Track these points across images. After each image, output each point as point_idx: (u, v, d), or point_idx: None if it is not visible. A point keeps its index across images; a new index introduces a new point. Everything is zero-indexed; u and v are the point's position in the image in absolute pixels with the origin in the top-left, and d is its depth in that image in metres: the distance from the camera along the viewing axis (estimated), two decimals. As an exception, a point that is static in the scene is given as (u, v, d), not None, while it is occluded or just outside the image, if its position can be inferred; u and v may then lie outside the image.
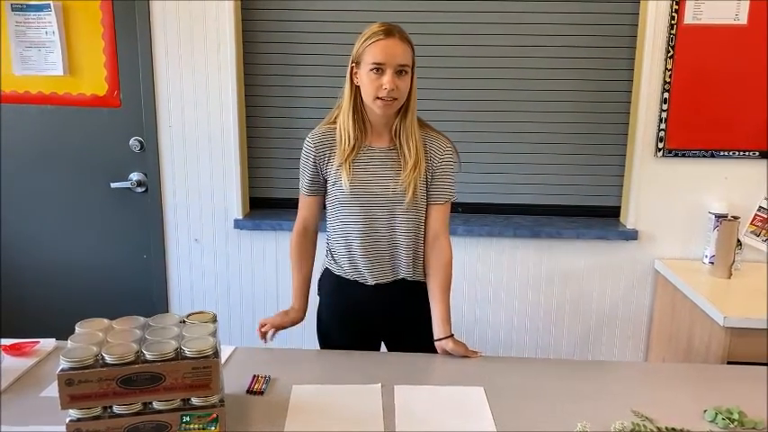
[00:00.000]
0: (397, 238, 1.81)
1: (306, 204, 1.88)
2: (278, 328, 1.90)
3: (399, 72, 1.67)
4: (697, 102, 2.54)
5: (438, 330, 1.82)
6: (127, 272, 2.84)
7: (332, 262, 1.89)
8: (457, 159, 1.85)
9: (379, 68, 1.66)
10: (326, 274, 1.92)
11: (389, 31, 1.68)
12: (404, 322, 1.90)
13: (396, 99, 1.69)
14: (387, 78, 1.65)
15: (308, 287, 1.93)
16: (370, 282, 1.84)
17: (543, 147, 2.72)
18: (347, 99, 1.75)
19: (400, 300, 1.88)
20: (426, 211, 1.83)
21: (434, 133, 1.84)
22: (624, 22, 2.60)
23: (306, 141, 1.82)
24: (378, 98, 1.68)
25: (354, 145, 1.75)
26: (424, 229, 1.84)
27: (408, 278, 1.86)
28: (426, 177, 1.80)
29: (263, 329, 1.90)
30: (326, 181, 1.82)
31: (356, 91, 1.74)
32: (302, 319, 1.92)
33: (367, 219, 1.78)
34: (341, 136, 1.76)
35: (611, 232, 2.66)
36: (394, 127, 1.78)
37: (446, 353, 1.81)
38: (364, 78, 1.69)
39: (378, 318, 1.89)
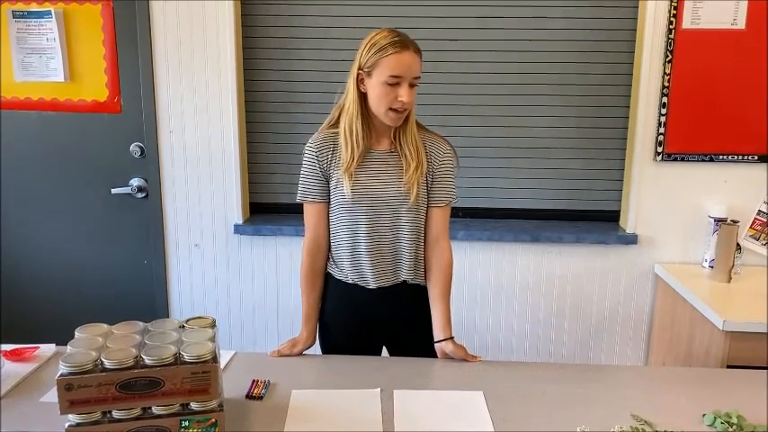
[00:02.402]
0: (400, 241, 1.83)
1: (315, 213, 1.85)
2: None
3: (412, 84, 1.70)
4: (696, 106, 2.55)
5: (438, 332, 1.83)
6: (127, 277, 2.84)
7: (333, 266, 1.89)
8: (457, 163, 1.87)
9: (396, 81, 1.67)
10: (328, 278, 1.92)
11: (405, 43, 1.68)
12: (405, 325, 1.91)
13: (407, 110, 1.72)
14: (404, 91, 1.68)
15: (318, 310, 1.91)
16: (372, 285, 1.84)
17: (543, 151, 2.73)
18: (355, 106, 1.75)
19: (401, 303, 1.88)
20: (427, 214, 1.85)
21: (434, 136, 1.85)
22: (623, 26, 2.61)
23: (307, 147, 1.82)
24: (391, 109, 1.70)
25: (362, 150, 1.76)
26: (425, 231, 1.86)
27: (409, 281, 1.87)
28: (427, 180, 1.82)
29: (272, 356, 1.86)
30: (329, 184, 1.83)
31: (362, 97, 1.75)
32: (312, 345, 1.90)
33: (371, 221, 1.79)
34: (348, 142, 1.76)
35: (611, 237, 2.67)
36: (394, 131, 1.80)
37: (446, 355, 1.82)
38: (377, 89, 1.70)
39: (379, 321, 1.89)
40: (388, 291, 1.86)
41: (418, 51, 1.71)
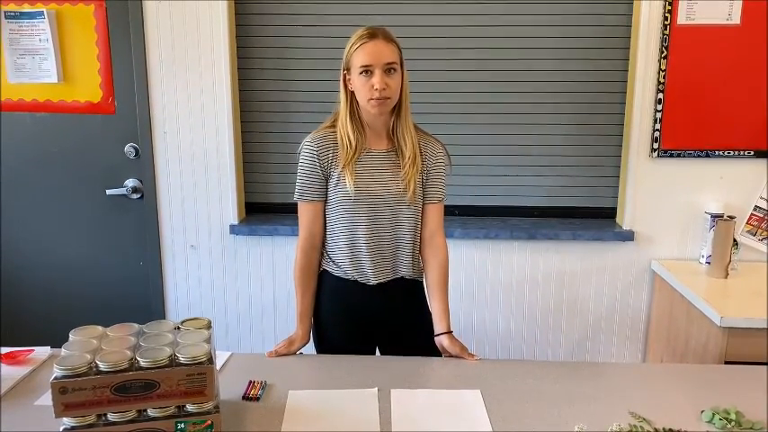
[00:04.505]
0: (399, 237, 1.86)
1: (311, 212, 1.86)
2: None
3: (388, 71, 1.72)
4: (691, 102, 2.55)
5: (437, 326, 1.87)
6: (123, 278, 2.83)
7: (330, 263, 1.89)
8: (449, 161, 1.92)
9: (367, 70, 1.71)
10: (324, 276, 1.92)
11: (373, 33, 1.73)
12: (403, 320, 1.92)
13: (389, 98, 1.74)
14: (376, 78, 1.70)
15: (313, 308, 1.92)
16: (372, 281, 1.86)
17: (539, 149, 2.73)
18: (344, 106, 1.80)
19: (399, 298, 1.91)
20: (422, 212, 1.89)
21: (428, 137, 1.90)
22: (618, 23, 2.61)
23: (306, 146, 1.83)
24: (371, 99, 1.72)
25: (356, 148, 1.79)
26: (421, 228, 1.89)
27: (407, 276, 1.90)
28: (422, 178, 1.86)
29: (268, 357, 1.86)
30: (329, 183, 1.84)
31: (351, 97, 1.79)
32: (307, 342, 1.91)
33: (372, 219, 1.82)
34: (342, 141, 1.80)
35: (608, 233, 2.66)
36: (391, 126, 1.83)
37: (444, 349, 1.84)
38: (356, 83, 1.74)
39: (377, 316, 1.90)
40: (387, 286, 1.88)
41: (389, 39, 1.74)
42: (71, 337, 1.38)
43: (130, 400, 1.27)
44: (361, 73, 1.71)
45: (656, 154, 2.59)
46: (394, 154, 1.83)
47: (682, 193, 2.63)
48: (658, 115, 2.56)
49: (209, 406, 1.32)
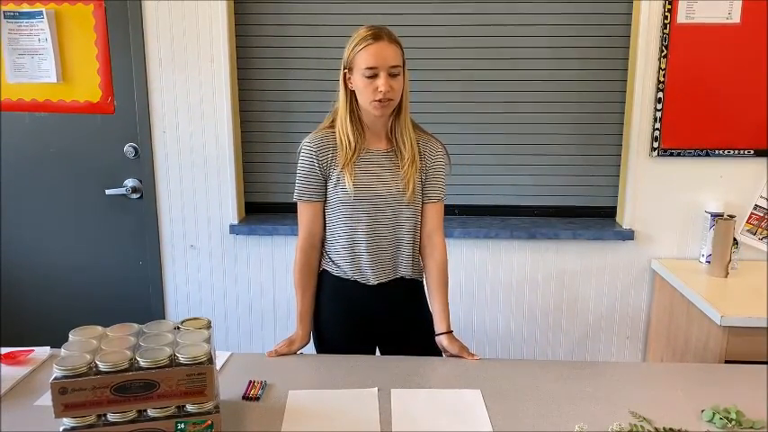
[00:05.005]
0: (399, 237, 1.86)
1: (311, 212, 1.85)
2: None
3: (392, 73, 1.71)
4: (691, 101, 2.54)
5: (437, 326, 1.88)
6: (123, 278, 2.83)
7: (330, 263, 1.89)
8: (448, 161, 1.91)
9: (372, 72, 1.69)
10: (324, 276, 1.92)
11: (378, 34, 1.72)
12: (403, 320, 1.92)
13: (391, 100, 1.73)
14: (381, 81, 1.70)
15: (313, 308, 1.91)
16: (372, 281, 1.86)
17: (539, 148, 2.73)
18: (343, 105, 1.79)
19: (399, 297, 1.91)
20: (422, 211, 1.89)
21: (427, 136, 1.89)
22: (617, 22, 2.61)
23: (305, 146, 1.83)
24: (374, 101, 1.71)
25: (355, 148, 1.78)
26: (420, 227, 1.89)
27: (407, 276, 1.90)
28: (421, 177, 1.86)
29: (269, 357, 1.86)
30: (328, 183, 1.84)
31: (351, 96, 1.78)
32: (308, 342, 1.91)
33: (371, 219, 1.82)
34: (341, 140, 1.79)
35: (608, 233, 2.66)
36: (389, 126, 1.83)
37: (445, 349, 1.85)
38: (359, 83, 1.73)
39: (377, 316, 1.90)
40: (387, 286, 1.88)
41: (394, 41, 1.73)
42: (71, 337, 1.38)
43: (130, 400, 1.26)
44: (364, 74, 1.70)
45: (655, 153, 2.59)
46: (393, 154, 1.83)
47: (682, 192, 2.63)
48: (658, 114, 2.56)
49: (209, 406, 1.31)
